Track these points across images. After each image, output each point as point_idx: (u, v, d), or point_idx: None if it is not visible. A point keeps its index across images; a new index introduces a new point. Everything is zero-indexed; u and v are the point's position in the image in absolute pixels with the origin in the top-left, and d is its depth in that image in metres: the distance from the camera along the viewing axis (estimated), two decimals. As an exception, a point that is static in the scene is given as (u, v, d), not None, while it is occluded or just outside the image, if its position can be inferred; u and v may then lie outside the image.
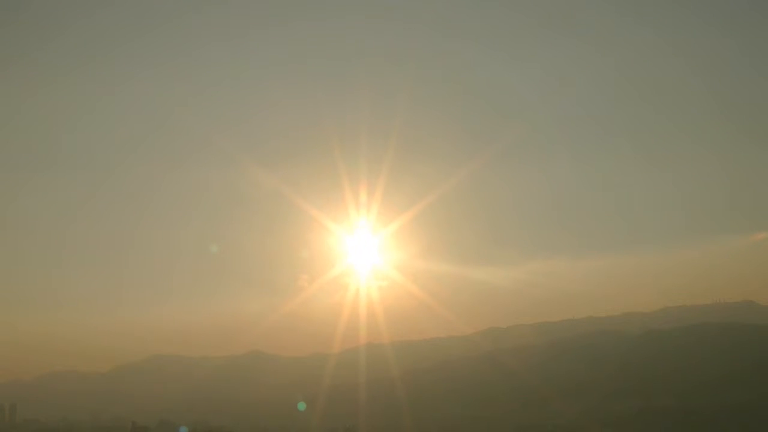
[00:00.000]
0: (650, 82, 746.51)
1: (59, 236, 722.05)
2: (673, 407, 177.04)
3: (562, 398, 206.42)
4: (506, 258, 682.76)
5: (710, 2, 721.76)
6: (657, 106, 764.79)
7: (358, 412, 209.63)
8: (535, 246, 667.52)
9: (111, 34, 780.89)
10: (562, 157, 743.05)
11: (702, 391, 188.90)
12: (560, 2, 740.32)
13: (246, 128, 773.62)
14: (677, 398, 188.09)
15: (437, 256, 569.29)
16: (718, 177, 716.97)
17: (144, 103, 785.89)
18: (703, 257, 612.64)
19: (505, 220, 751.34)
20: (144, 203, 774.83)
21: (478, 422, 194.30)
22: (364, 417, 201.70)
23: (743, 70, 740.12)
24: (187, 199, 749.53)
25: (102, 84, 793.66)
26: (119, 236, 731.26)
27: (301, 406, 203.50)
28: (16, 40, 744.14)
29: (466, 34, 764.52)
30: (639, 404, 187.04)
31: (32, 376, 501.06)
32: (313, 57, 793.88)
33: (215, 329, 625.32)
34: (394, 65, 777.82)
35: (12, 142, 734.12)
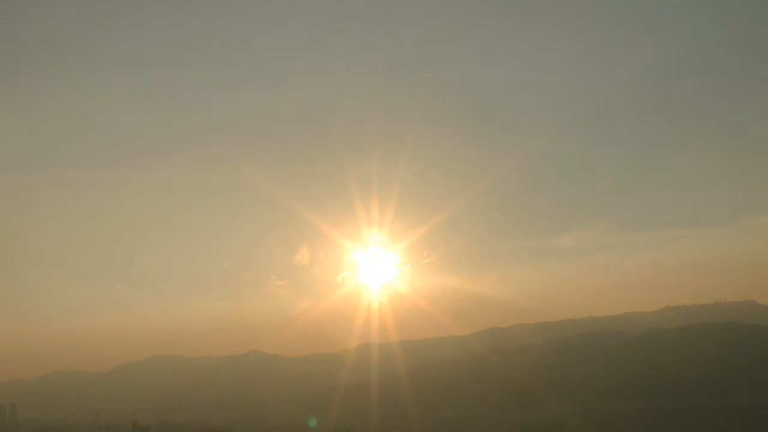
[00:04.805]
0: (650, 74, 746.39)
1: (59, 236, 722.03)
2: (674, 407, 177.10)
3: (563, 398, 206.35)
4: (510, 262, 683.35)
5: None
6: (656, 101, 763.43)
7: (358, 412, 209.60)
8: (538, 249, 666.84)
9: (111, 31, 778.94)
10: (567, 162, 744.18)
11: (702, 391, 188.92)
12: (571, 8, 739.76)
13: (256, 139, 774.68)
14: (678, 398, 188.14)
15: (443, 266, 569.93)
16: (718, 176, 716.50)
17: (147, 105, 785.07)
18: (703, 256, 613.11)
19: (509, 224, 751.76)
20: (145, 204, 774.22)
21: (478, 422, 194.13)
22: (365, 416, 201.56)
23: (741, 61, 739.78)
24: (192, 202, 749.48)
25: (99, 84, 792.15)
26: (119, 236, 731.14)
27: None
28: (18, 41, 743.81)
29: (481, 46, 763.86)
30: (640, 404, 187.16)
31: (33, 375, 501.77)
32: (322, 70, 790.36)
33: (215, 329, 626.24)
34: (406, 77, 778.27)
35: (10, 143, 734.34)
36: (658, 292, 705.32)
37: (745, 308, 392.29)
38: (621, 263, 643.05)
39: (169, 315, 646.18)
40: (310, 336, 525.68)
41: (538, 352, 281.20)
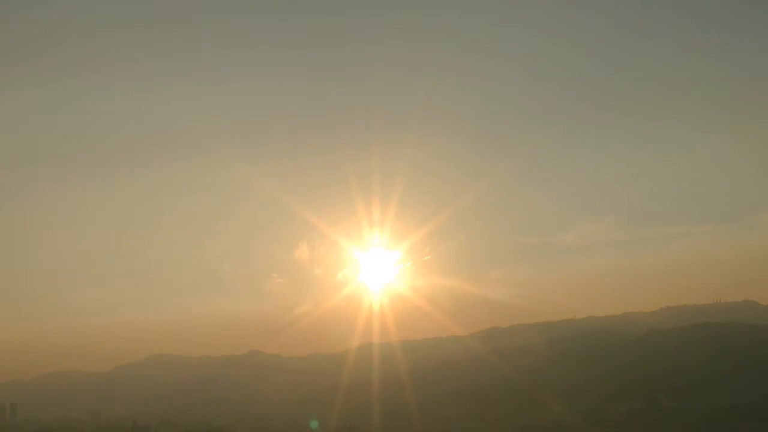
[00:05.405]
0: (656, 69, 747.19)
1: (58, 236, 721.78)
2: (674, 407, 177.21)
3: (563, 398, 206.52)
4: (511, 261, 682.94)
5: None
6: (656, 98, 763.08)
7: (359, 411, 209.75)
8: (541, 247, 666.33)
9: (109, 30, 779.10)
10: (571, 158, 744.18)
11: (702, 391, 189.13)
12: (571, 15, 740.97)
13: (255, 136, 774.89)
14: (678, 398, 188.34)
15: (444, 266, 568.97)
16: (720, 172, 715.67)
17: (145, 103, 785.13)
18: (703, 257, 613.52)
19: (511, 221, 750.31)
20: (144, 203, 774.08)
21: (478, 422, 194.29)
22: (366, 416, 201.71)
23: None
24: (192, 201, 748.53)
25: (99, 83, 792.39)
26: (119, 236, 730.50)
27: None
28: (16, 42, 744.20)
29: (484, 41, 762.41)
30: (640, 404, 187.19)
31: (33, 375, 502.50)
32: (322, 66, 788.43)
33: (215, 329, 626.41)
34: (408, 74, 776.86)
35: (8, 143, 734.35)
36: (658, 292, 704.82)
37: (745, 308, 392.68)
38: (622, 262, 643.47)
39: (169, 315, 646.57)
40: (310, 336, 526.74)
41: (538, 352, 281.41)
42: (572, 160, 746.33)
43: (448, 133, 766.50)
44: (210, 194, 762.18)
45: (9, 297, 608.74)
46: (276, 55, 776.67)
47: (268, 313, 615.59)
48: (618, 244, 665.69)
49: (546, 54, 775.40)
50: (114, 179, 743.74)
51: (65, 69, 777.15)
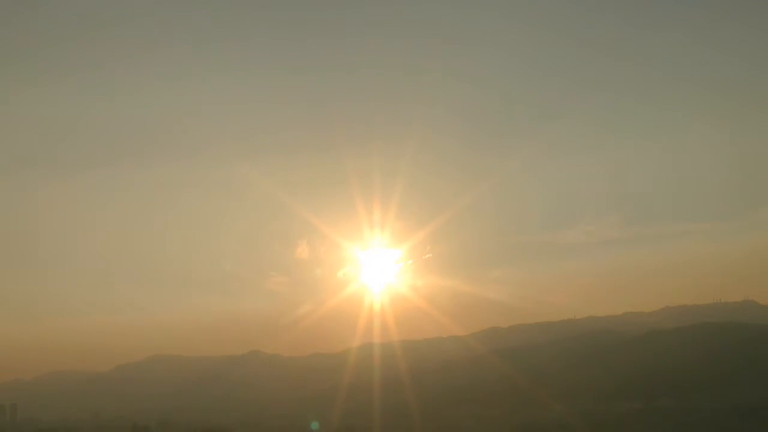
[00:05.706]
0: (659, 67, 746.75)
1: (59, 236, 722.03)
2: (674, 407, 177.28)
3: (563, 398, 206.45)
4: (512, 261, 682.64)
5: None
6: (657, 96, 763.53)
7: (359, 411, 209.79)
8: (543, 246, 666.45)
9: (108, 28, 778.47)
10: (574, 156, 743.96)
11: (702, 391, 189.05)
12: (574, 11, 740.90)
13: (255, 135, 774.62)
14: (678, 398, 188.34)
15: (444, 266, 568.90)
16: (720, 175, 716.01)
17: (145, 103, 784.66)
18: (703, 255, 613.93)
19: (511, 226, 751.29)
20: (144, 202, 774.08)
21: (478, 422, 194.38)
22: (366, 416, 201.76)
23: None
24: (191, 200, 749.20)
25: (99, 82, 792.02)
26: (119, 236, 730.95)
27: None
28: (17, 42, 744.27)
29: (484, 46, 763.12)
30: (640, 404, 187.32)
31: (33, 375, 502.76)
32: (323, 66, 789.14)
33: (215, 329, 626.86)
34: (410, 77, 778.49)
35: (9, 143, 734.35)
36: (658, 292, 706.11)
37: (745, 308, 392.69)
38: (622, 261, 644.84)
39: (169, 315, 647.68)
40: (311, 336, 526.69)
41: (538, 352, 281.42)
42: (572, 159, 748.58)
43: (449, 129, 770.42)
44: (209, 193, 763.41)
45: (9, 297, 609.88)
46: (276, 51, 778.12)
47: (268, 313, 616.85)
48: (618, 242, 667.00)
49: (547, 50, 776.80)
50: (113, 179, 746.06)
51: (63, 68, 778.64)
